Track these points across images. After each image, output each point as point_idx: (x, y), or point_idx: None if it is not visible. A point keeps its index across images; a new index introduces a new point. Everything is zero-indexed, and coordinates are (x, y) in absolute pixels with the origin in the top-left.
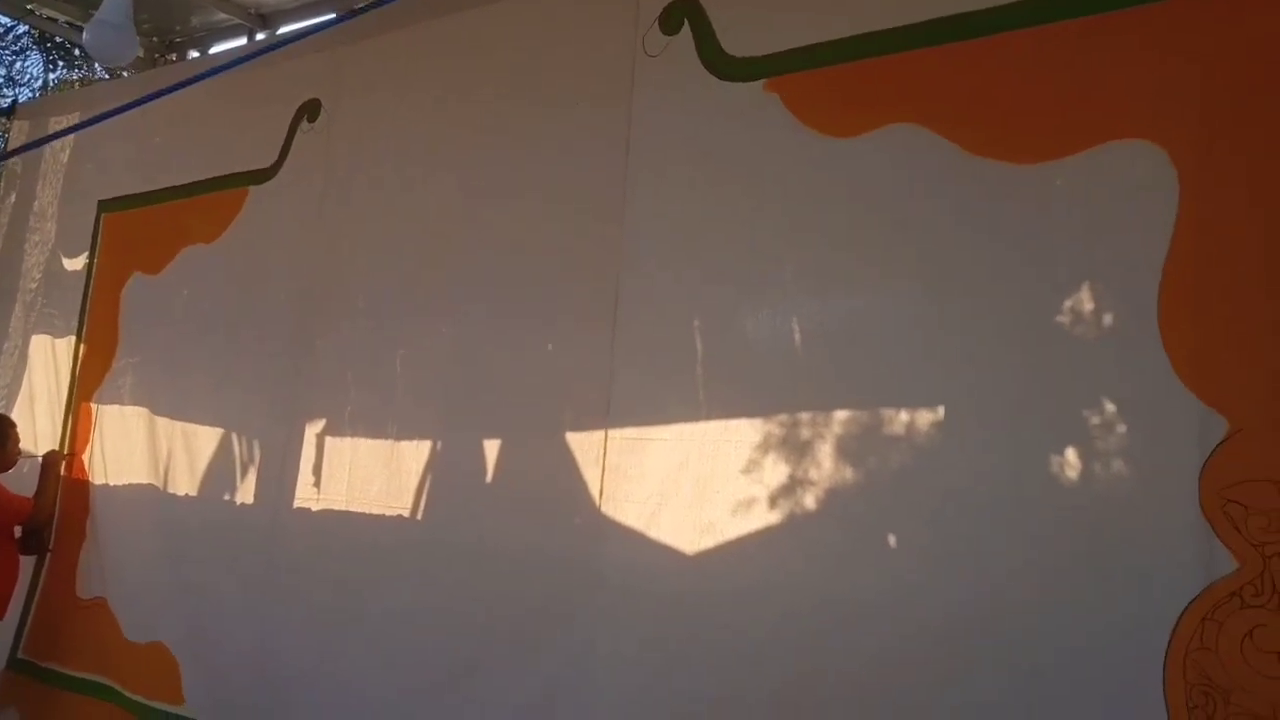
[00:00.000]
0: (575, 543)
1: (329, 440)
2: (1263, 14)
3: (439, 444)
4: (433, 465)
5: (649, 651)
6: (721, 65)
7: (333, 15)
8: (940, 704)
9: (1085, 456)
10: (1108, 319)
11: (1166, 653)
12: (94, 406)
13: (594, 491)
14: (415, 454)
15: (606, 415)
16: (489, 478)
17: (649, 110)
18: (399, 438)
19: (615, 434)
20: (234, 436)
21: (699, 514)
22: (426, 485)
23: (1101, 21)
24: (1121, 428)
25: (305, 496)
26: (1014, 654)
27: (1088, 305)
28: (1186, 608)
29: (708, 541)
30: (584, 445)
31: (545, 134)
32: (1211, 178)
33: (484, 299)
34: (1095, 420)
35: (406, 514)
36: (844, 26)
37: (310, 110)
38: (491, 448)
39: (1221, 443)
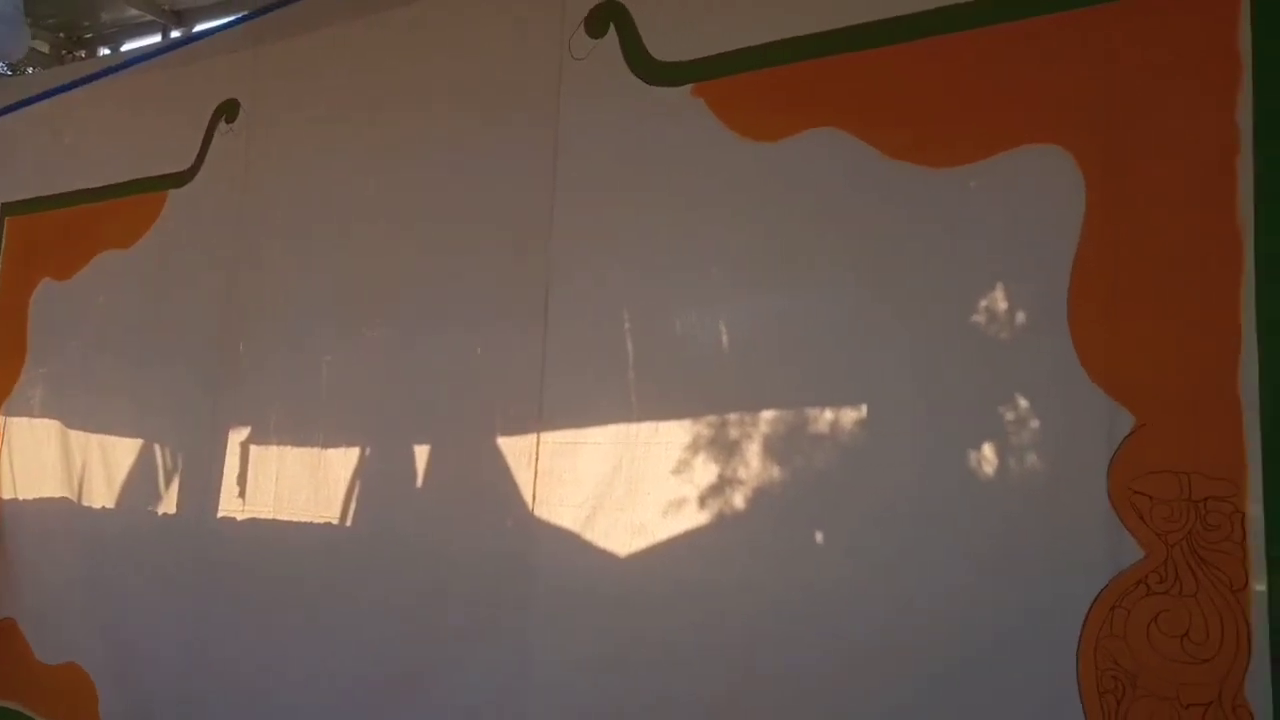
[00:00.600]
0: (509, 547)
1: (254, 448)
2: (1160, 25)
3: (367, 450)
4: (361, 472)
5: (584, 653)
6: (648, 69)
7: (249, 12)
8: (865, 695)
9: (1000, 452)
10: (1021, 318)
11: (1079, 640)
12: (1, 419)
13: (527, 495)
14: (343, 461)
15: (539, 418)
16: (419, 484)
17: (576, 113)
18: (326, 445)
19: (547, 437)
20: (155, 447)
21: (631, 516)
22: (355, 492)
23: (1011, 30)
24: (1035, 423)
25: (230, 507)
26: (935, 644)
27: (1002, 305)
28: (1097, 596)
29: (640, 543)
30: (516, 449)
31: (471, 135)
32: (1115, 181)
33: (411, 303)
34: (1010, 416)
35: (335, 522)
36: (767, 32)
37: (228, 111)
38: (421, 453)
39: (1128, 437)
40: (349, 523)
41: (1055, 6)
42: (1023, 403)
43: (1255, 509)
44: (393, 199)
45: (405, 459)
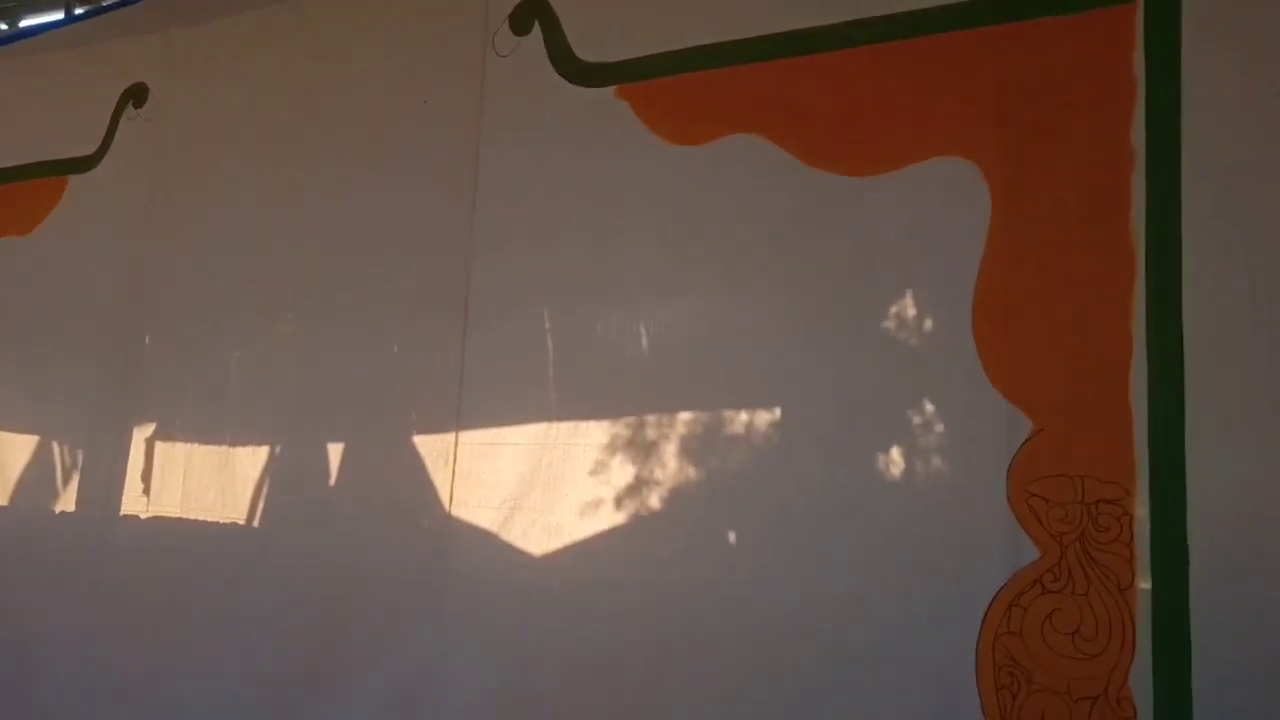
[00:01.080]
0: (425, 547)
1: (160, 445)
2: (1060, 47)
3: (279, 448)
4: (273, 470)
5: (499, 653)
6: (572, 69)
7: None
8: (773, 689)
9: (907, 454)
10: (929, 325)
11: (979, 637)
12: None
13: (444, 495)
14: (254, 458)
15: (457, 418)
16: (333, 483)
17: (499, 110)
18: (236, 442)
19: (466, 438)
20: (53, 443)
21: (549, 517)
22: (266, 490)
23: (924, 44)
24: (940, 427)
25: (134, 506)
26: (842, 641)
27: (911, 311)
28: (995, 595)
29: (557, 543)
30: (434, 449)
31: (391, 130)
32: (1017, 195)
33: (325, 299)
34: (917, 420)
35: (243, 522)
36: (691, 36)
37: (137, 95)
38: (336, 452)
39: (1026, 441)
40: (259, 521)
41: (966, 24)
42: (929, 407)
43: (1142, 511)
44: (308, 192)
45: (319, 458)
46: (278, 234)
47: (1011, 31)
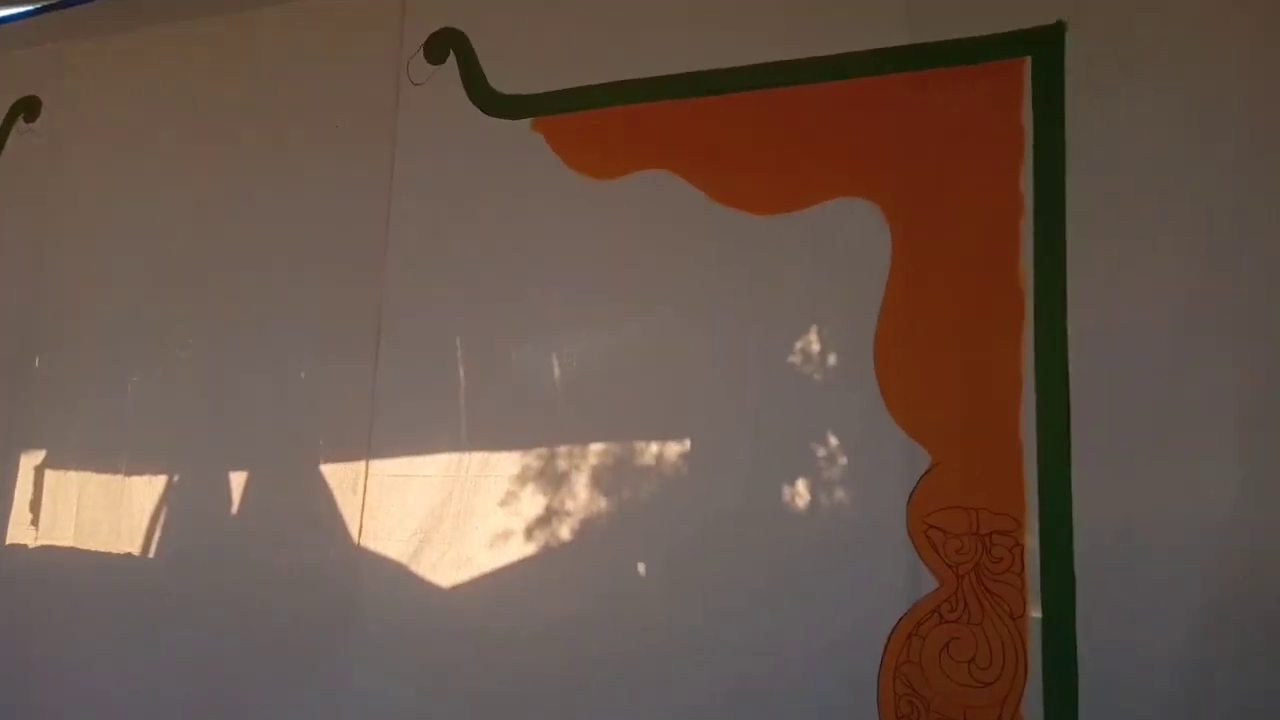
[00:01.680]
0: (332, 579)
1: (50, 473)
2: (956, 97)
3: (177, 477)
4: (171, 500)
5: (406, 684)
6: (488, 100)
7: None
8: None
9: (812, 487)
10: (833, 360)
11: (880, 667)
12: None
13: (353, 527)
14: (151, 488)
15: (368, 448)
16: (235, 513)
17: (414, 139)
18: (132, 471)
19: (376, 468)
20: None
21: (459, 549)
22: (164, 522)
23: (830, 89)
24: (843, 460)
25: (21, 535)
26: (747, 675)
27: (816, 347)
28: (896, 626)
29: (466, 575)
30: (343, 480)
31: (300, 154)
32: (916, 237)
33: (231, 322)
34: (821, 453)
35: (139, 553)
36: (606, 72)
37: (28, 108)
38: (239, 481)
39: (925, 474)
40: (157, 553)
41: (871, 71)
42: (833, 440)
43: (1033, 542)
44: (211, 215)
45: (221, 487)
46: (178, 258)
47: (914, 80)
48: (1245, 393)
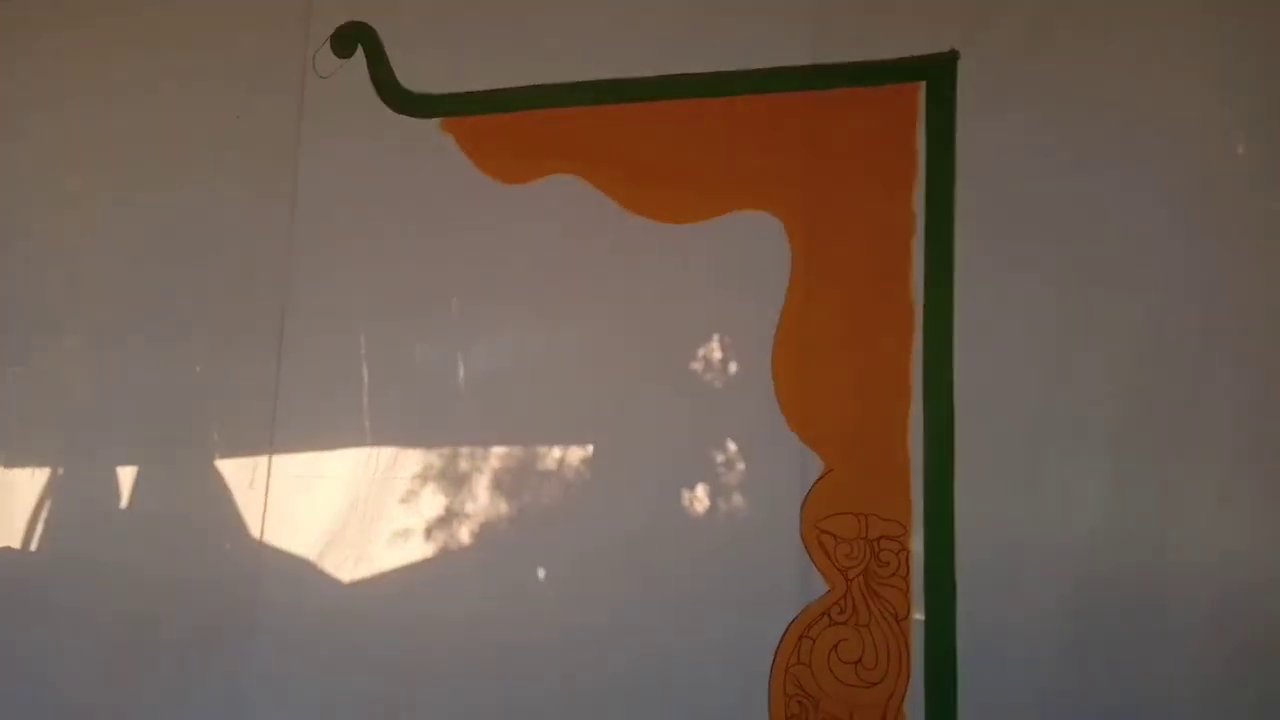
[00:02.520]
0: (232, 578)
1: None
2: (853, 117)
3: (61, 471)
4: (57, 495)
5: (307, 684)
6: (396, 98)
7: None
8: None
9: (711, 492)
10: (733, 367)
11: (771, 668)
12: None
13: (254, 526)
14: (33, 483)
15: (270, 446)
16: (125, 508)
17: (319, 134)
18: (12, 464)
19: (279, 467)
20: None
21: (361, 547)
22: (48, 516)
23: (735, 103)
24: (741, 465)
25: None
26: (643, 678)
27: (717, 355)
28: (787, 628)
29: (367, 574)
30: (243, 477)
31: (202, 142)
32: (814, 251)
33: (123, 313)
34: (720, 458)
35: (20, 547)
36: (517, 76)
37: None
38: (129, 476)
39: (818, 480)
40: (41, 548)
41: (776, 88)
42: (731, 447)
43: (918, 547)
44: (102, 200)
45: (109, 481)
46: (67, 239)
47: (817, 98)
48: (1115, 403)
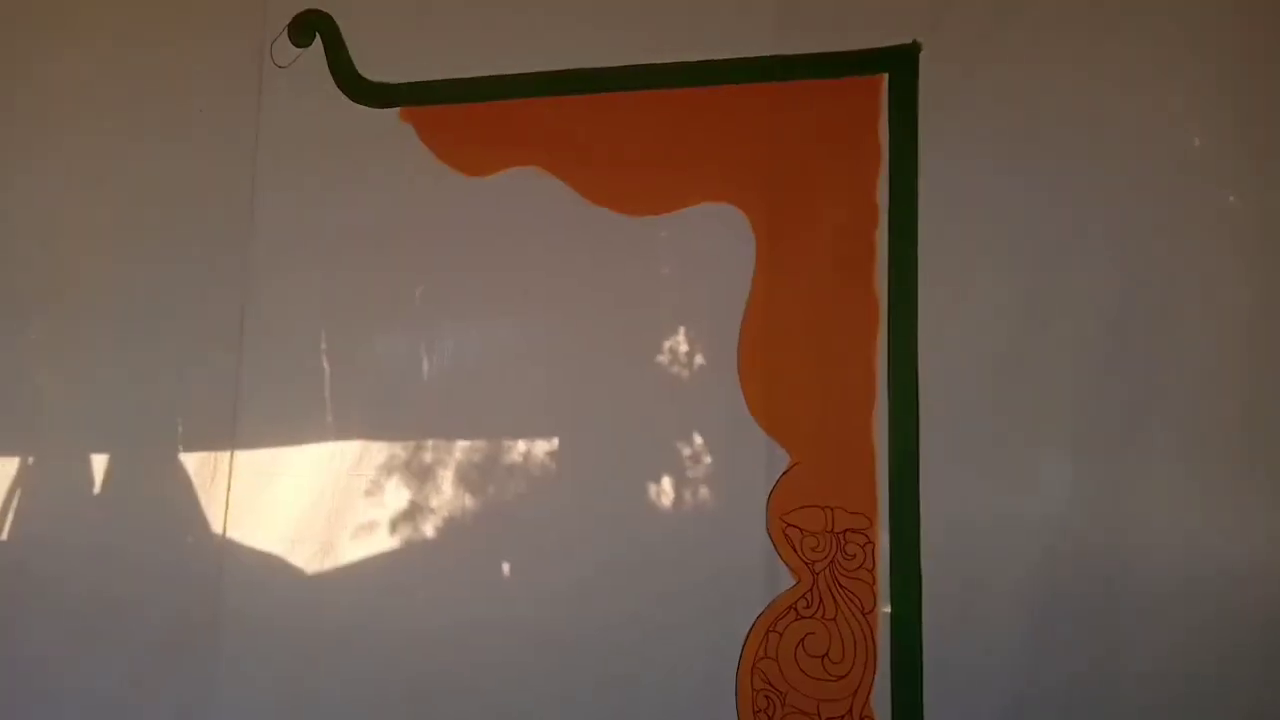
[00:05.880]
0: (194, 575)
1: None
2: (817, 109)
3: (29, 459)
4: (19, 484)
5: (272, 678)
6: (355, 87)
7: None
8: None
9: (677, 485)
10: (699, 360)
11: (739, 663)
12: None
13: (216, 522)
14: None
15: (232, 440)
16: (82, 502)
17: (277, 124)
18: None
19: (241, 461)
20: None
21: (324, 541)
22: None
23: (699, 94)
24: (707, 459)
25: None
26: (609, 673)
27: (683, 347)
28: (754, 622)
29: (331, 567)
30: (205, 471)
31: (159, 132)
32: (778, 243)
33: (80, 305)
34: (686, 451)
35: None
36: (478, 66)
37: None
38: (85, 468)
39: (784, 474)
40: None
41: (739, 79)
42: (698, 439)
43: (883, 540)
44: (58, 183)
45: (66, 473)
46: (22, 228)
47: (780, 90)
48: (1078, 396)
